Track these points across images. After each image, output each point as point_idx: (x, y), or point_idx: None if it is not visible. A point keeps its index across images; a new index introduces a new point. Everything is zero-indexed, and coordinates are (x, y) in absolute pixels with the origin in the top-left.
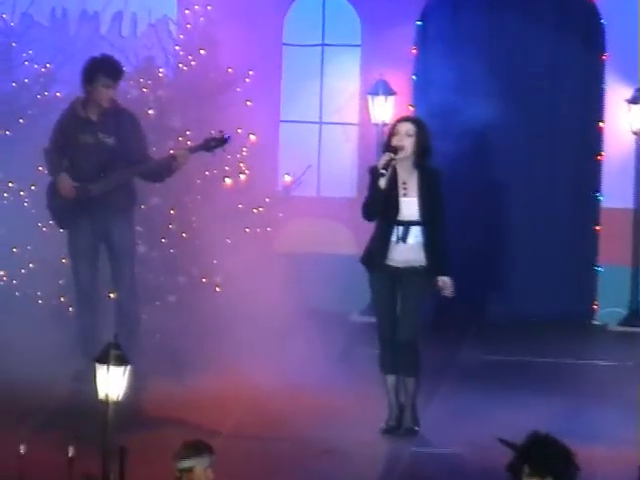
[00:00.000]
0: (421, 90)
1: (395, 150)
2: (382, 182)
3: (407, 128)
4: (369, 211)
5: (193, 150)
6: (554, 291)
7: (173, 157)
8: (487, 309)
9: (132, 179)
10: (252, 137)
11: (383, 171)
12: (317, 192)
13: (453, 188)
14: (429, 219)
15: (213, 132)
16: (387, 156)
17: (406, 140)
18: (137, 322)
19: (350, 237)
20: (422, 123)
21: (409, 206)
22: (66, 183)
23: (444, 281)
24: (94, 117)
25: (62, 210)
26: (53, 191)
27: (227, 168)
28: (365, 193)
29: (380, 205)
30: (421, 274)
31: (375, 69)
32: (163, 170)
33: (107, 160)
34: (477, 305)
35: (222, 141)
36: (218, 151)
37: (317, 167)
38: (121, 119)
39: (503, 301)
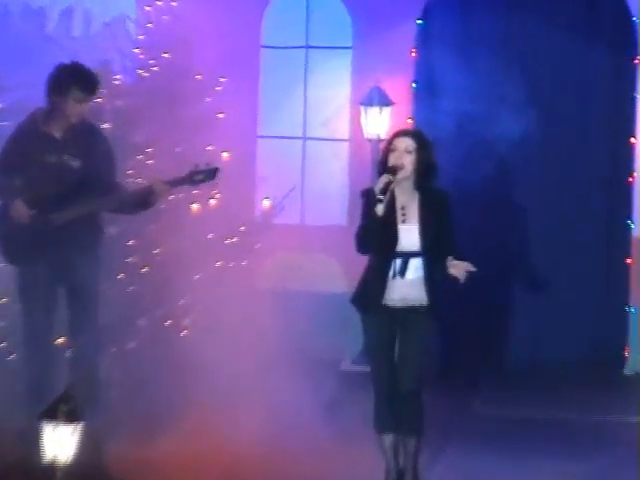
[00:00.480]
0: (422, 99)
1: (394, 170)
2: (379, 209)
3: (406, 144)
4: (364, 243)
5: (175, 183)
6: (580, 334)
7: (151, 190)
8: (502, 355)
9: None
10: (225, 155)
11: (381, 197)
12: (301, 219)
13: (461, 212)
14: (431, 249)
15: (197, 163)
16: (385, 178)
17: (406, 158)
18: (97, 374)
19: (340, 272)
20: (424, 137)
21: (409, 235)
22: (21, 210)
23: (455, 265)
24: (58, 134)
25: (12, 241)
26: (2, 218)
27: (195, 192)
28: (358, 220)
29: (377, 236)
30: (423, 314)
31: (368, 75)
32: (138, 204)
33: (71, 186)
34: (491, 351)
35: (210, 174)
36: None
37: (301, 190)
38: (90, 138)
39: (521, 346)
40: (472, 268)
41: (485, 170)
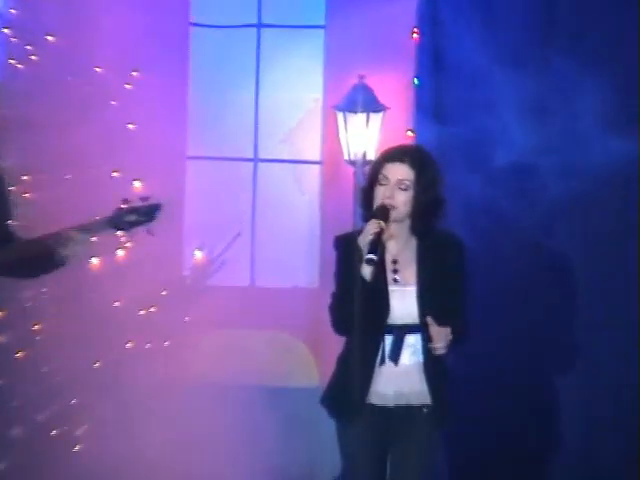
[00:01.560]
0: (428, 103)
1: (385, 213)
2: (367, 271)
3: (401, 174)
4: (343, 318)
5: (94, 229)
6: None
7: (57, 239)
8: (544, 473)
9: None
10: (137, 185)
11: (372, 256)
12: (251, 280)
13: (482, 269)
14: (436, 320)
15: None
16: (375, 227)
17: (399, 195)
18: None
19: (307, 357)
20: (426, 161)
21: (404, 300)
22: None
23: (434, 330)
24: None
25: None
26: None
27: (94, 239)
28: (332, 281)
29: (364, 308)
30: (426, 418)
31: (349, 67)
32: (39, 261)
33: None
34: (526, 467)
35: (148, 214)
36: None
37: (251, 237)
38: None
39: (571, 457)
40: (450, 336)
41: (518, 210)
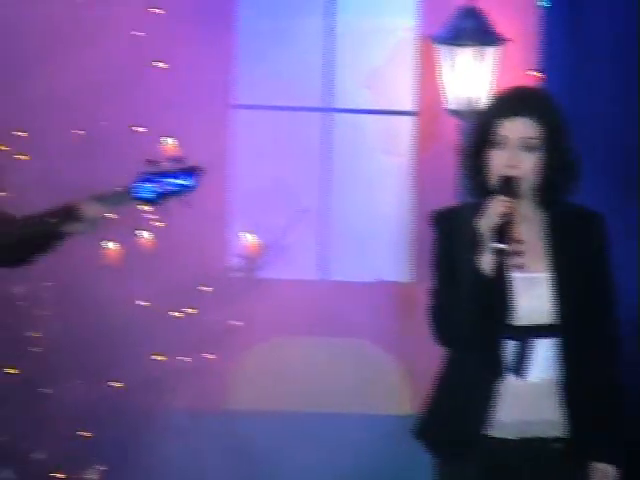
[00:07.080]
0: (563, 32)
1: (515, 188)
2: (488, 264)
3: (526, 132)
4: (449, 326)
5: (108, 201)
6: None
7: (69, 213)
8: None
9: None
10: (170, 143)
11: (503, 246)
12: (322, 272)
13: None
14: (577, 321)
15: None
16: (503, 206)
17: (526, 160)
18: None
19: (396, 375)
20: (555, 110)
21: (532, 292)
22: None
23: (605, 472)
24: None
25: None
26: None
27: (110, 217)
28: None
29: (478, 306)
30: (558, 457)
31: None
32: (39, 241)
33: None
34: None
35: (184, 181)
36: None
37: (321, 215)
38: None
39: None
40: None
41: None
